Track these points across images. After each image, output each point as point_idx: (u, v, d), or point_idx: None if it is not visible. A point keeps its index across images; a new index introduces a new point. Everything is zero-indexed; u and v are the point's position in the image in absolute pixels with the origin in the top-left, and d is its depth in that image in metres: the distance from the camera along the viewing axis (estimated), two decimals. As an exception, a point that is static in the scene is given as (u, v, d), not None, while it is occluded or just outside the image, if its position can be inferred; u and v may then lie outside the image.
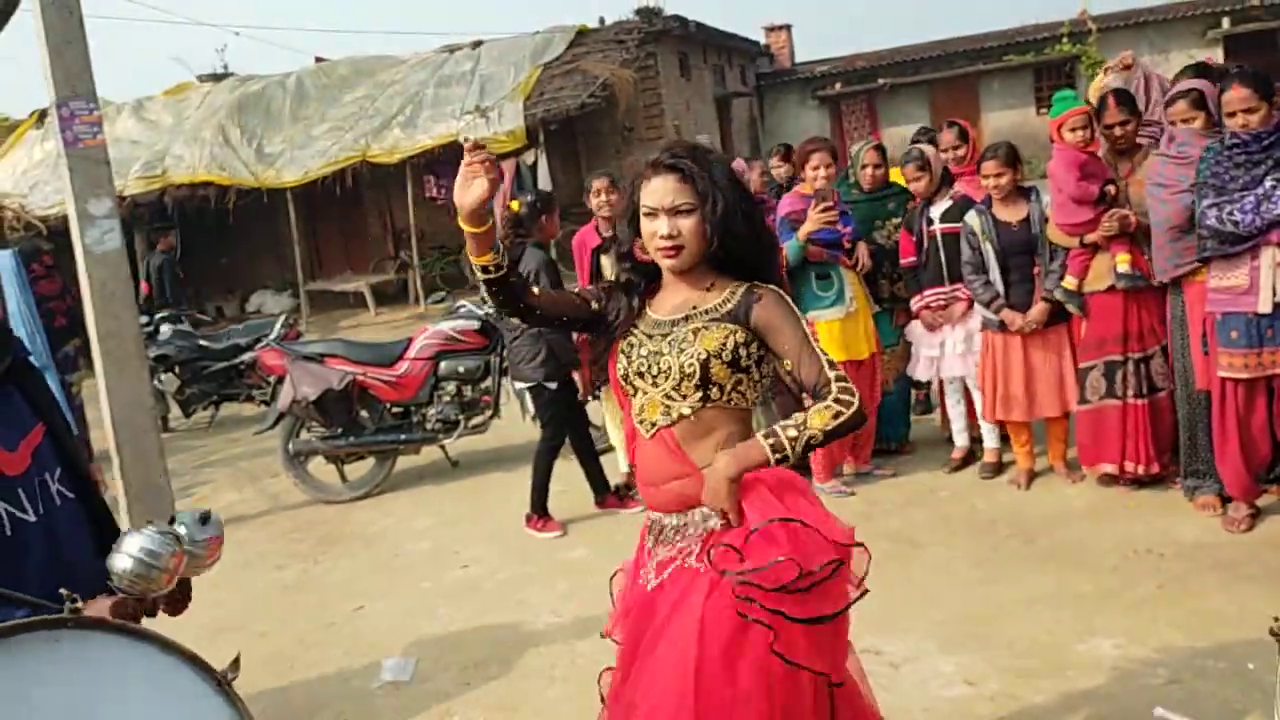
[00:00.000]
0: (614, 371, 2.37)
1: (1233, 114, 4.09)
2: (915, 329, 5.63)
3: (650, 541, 2.37)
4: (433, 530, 5.88)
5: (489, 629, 4.45)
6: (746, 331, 2.24)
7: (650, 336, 2.31)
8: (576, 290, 2.49)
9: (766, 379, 2.30)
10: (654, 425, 2.28)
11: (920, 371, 5.67)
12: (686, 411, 2.24)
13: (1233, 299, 4.14)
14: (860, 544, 2.19)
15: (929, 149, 5.62)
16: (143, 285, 10.50)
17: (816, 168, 5.37)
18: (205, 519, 2.10)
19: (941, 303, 5.39)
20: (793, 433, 2.12)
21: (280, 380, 6.63)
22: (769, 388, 2.36)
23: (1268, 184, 4.02)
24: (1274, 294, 4.05)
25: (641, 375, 2.29)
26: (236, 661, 1.94)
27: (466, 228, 2.24)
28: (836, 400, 2.13)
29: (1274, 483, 4.52)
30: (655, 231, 2.25)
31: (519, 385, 5.81)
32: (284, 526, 6.33)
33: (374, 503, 6.54)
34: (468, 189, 2.20)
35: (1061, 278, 4.95)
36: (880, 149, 5.86)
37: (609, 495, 5.76)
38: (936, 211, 5.41)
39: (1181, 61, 18.55)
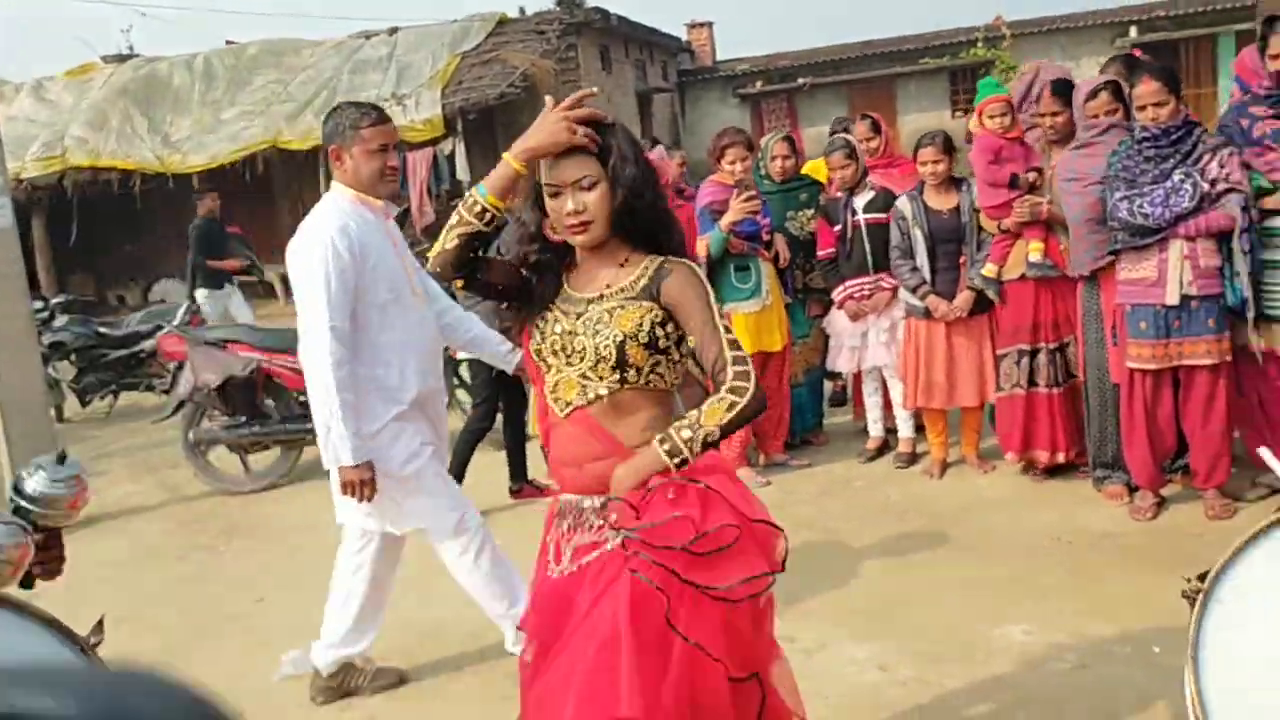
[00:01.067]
0: (527, 346, 2.28)
1: (1143, 107, 4.15)
2: (836, 320, 5.62)
3: (563, 526, 2.26)
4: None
5: (394, 621, 4.30)
6: (661, 310, 2.15)
7: (565, 314, 2.22)
8: (506, 257, 2.38)
9: (687, 359, 2.22)
10: (569, 405, 2.19)
11: (841, 363, 5.66)
12: (603, 393, 2.16)
13: (1142, 291, 4.21)
14: (776, 526, 2.13)
15: (851, 138, 5.64)
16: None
17: (733, 161, 5.34)
18: (62, 459, 1.93)
19: (865, 293, 5.39)
20: (687, 434, 2.04)
21: (181, 366, 6.39)
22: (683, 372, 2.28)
23: (1176, 178, 4.10)
24: (1181, 286, 4.12)
25: (555, 354, 2.20)
26: (100, 624, 1.80)
27: (516, 165, 2.19)
28: (731, 390, 2.05)
29: (1177, 472, 4.62)
30: (561, 209, 2.16)
31: (461, 355, 5.67)
32: (183, 518, 6.10)
33: (279, 494, 6.34)
34: (554, 131, 2.14)
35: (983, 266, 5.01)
36: (789, 140, 5.85)
37: (526, 485, 5.65)
38: (860, 202, 5.42)
39: (1092, 67, 19.08)
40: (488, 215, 2.20)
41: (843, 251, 5.45)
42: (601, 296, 2.19)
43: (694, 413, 2.07)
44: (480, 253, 2.25)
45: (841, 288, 5.48)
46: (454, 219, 2.23)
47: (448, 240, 2.22)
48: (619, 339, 2.12)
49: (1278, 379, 4.24)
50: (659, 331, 2.15)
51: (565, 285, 2.27)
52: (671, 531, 2.01)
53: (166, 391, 7.25)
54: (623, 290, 2.18)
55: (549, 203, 2.19)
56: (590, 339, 2.14)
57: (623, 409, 2.17)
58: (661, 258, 2.21)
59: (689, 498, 2.05)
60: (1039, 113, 4.86)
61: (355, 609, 3.75)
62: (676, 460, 2.04)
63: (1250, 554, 1.73)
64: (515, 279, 2.29)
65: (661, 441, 2.06)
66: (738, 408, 2.04)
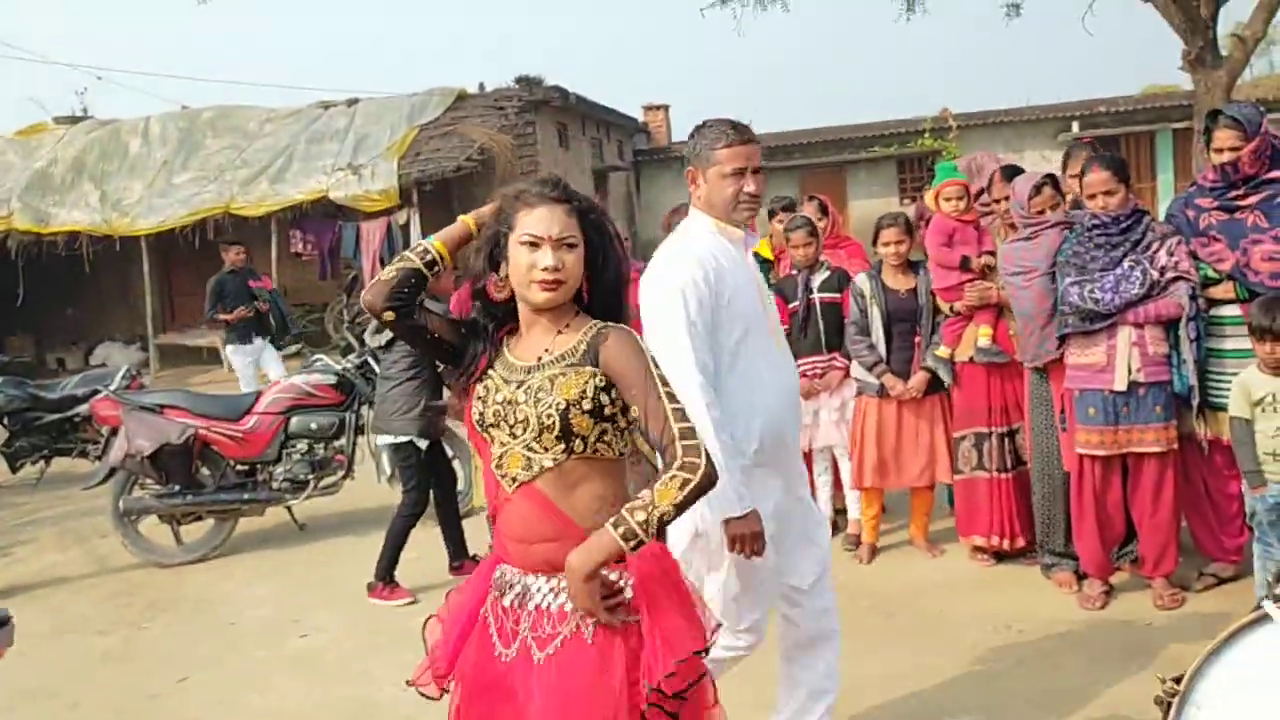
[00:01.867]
0: (469, 417, 2.19)
1: (1093, 196, 4.22)
2: None
3: (506, 601, 2.14)
4: (273, 597, 5.52)
5: (326, 703, 4.15)
6: (603, 375, 2.08)
7: (506, 382, 2.13)
8: (444, 314, 2.31)
9: (635, 427, 2.12)
10: (515, 480, 2.10)
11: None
12: (549, 464, 2.07)
13: (1090, 376, 4.23)
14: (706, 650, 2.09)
15: (814, 218, 5.67)
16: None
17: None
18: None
19: (819, 371, 5.38)
20: (641, 516, 1.97)
21: (114, 432, 6.19)
22: (632, 448, 2.20)
23: (1126, 265, 4.15)
24: (1129, 372, 4.15)
25: (498, 424, 2.12)
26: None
27: (470, 221, 2.26)
28: (682, 466, 1.98)
29: (1125, 559, 4.60)
30: (535, 263, 2.08)
31: (382, 441, 5.50)
32: (110, 590, 5.86)
33: (211, 566, 6.12)
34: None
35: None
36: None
37: (467, 561, 5.50)
38: (816, 280, 5.42)
39: (1035, 160, 19.62)
40: (430, 257, 2.20)
41: (797, 328, 5.44)
42: (540, 364, 2.12)
43: (646, 493, 1.99)
44: (415, 298, 2.20)
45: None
46: (397, 258, 2.22)
47: (385, 273, 2.20)
48: (562, 407, 2.04)
49: (1224, 468, 4.25)
50: (603, 398, 2.07)
51: (505, 352, 2.19)
52: (689, 670, 2.00)
53: (100, 457, 7.03)
54: (563, 357, 2.11)
55: (521, 254, 2.10)
56: (532, 408, 2.06)
57: (572, 481, 2.08)
58: (599, 323, 2.15)
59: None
60: (994, 198, 4.95)
61: None
62: (631, 544, 1.97)
63: (1224, 657, 1.68)
64: (451, 335, 2.22)
65: (615, 525, 1.97)
66: (690, 485, 1.97)
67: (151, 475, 6.06)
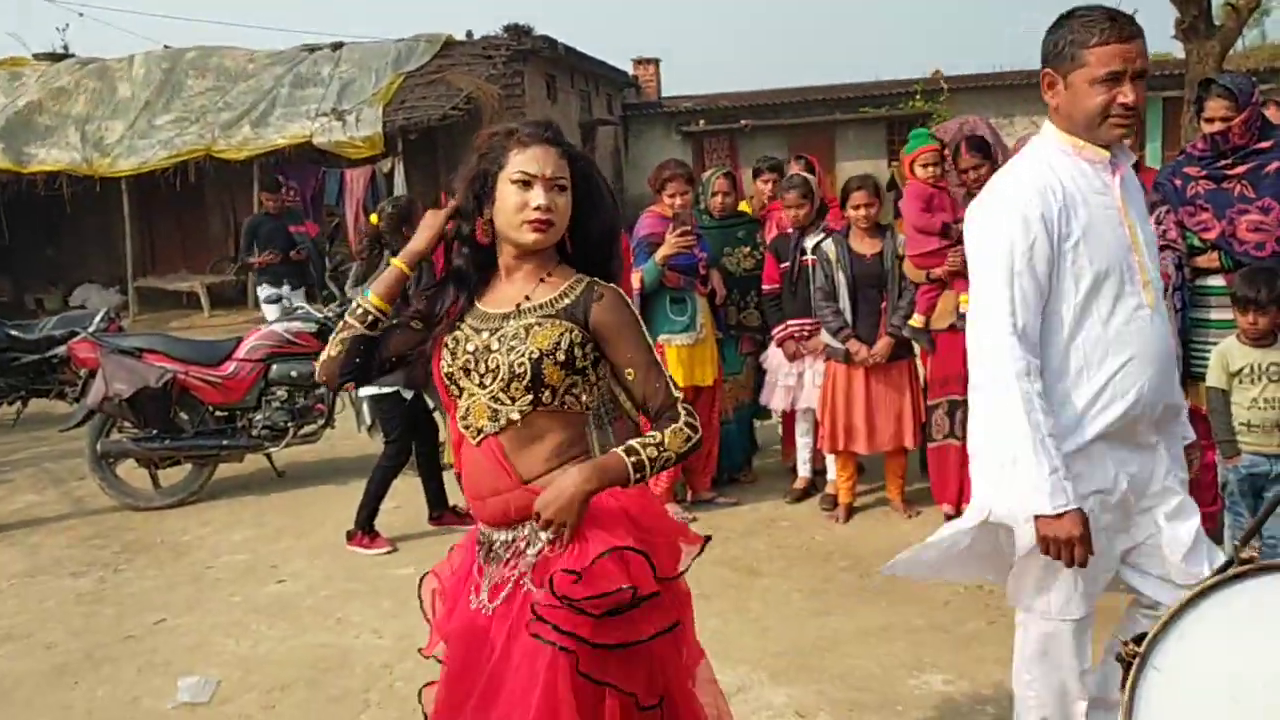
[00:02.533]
0: (438, 370, 2.17)
1: None
2: (773, 357, 5.59)
3: (480, 557, 2.18)
4: (251, 543, 5.52)
5: (302, 648, 4.16)
6: (584, 331, 2.07)
7: (478, 331, 2.12)
8: (397, 321, 2.25)
9: (603, 381, 2.14)
10: (480, 432, 2.10)
11: (776, 401, 5.63)
12: (515, 417, 2.06)
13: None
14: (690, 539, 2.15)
15: (811, 177, 5.63)
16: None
17: (674, 195, 5.31)
18: None
19: (806, 333, 5.36)
20: (653, 452, 2.00)
21: (92, 374, 6.15)
22: (609, 407, 2.18)
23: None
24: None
25: (468, 373, 2.10)
26: None
27: (401, 266, 2.19)
28: (687, 424, 2.03)
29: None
30: (527, 202, 2.05)
31: (365, 392, 5.49)
32: (85, 532, 5.84)
33: (188, 511, 6.11)
34: (430, 220, 2.18)
35: (908, 315, 5.03)
36: (730, 176, 5.84)
37: (447, 512, 5.52)
38: (810, 242, 5.38)
39: (1025, 124, 19.54)
40: (370, 318, 2.17)
41: (786, 289, 5.42)
42: (518, 311, 2.10)
43: (657, 434, 2.02)
44: (365, 358, 2.19)
45: (782, 326, 5.45)
46: (339, 326, 2.20)
47: (332, 348, 2.19)
48: (535, 356, 2.03)
49: (1201, 437, 4.28)
50: (577, 351, 2.06)
51: (476, 303, 2.17)
52: (612, 603, 1.96)
53: (77, 399, 6.99)
54: (541, 307, 2.09)
55: (512, 193, 2.07)
56: (505, 355, 2.05)
57: (534, 434, 2.08)
58: (589, 278, 2.13)
59: (621, 570, 1.99)
60: (960, 169, 4.93)
61: None
62: (638, 476, 1.99)
63: (1186, 619, 1.70)
64: (411, 340, 2.23)
65: (628, 452, 1.99)
66: (692, 442, 2.03)
67: (130, 419, 6.03)
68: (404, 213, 5.39)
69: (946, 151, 5.18)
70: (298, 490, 6.39)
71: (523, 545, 2.10)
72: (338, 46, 17.77)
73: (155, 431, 6.08)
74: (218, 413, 6.24)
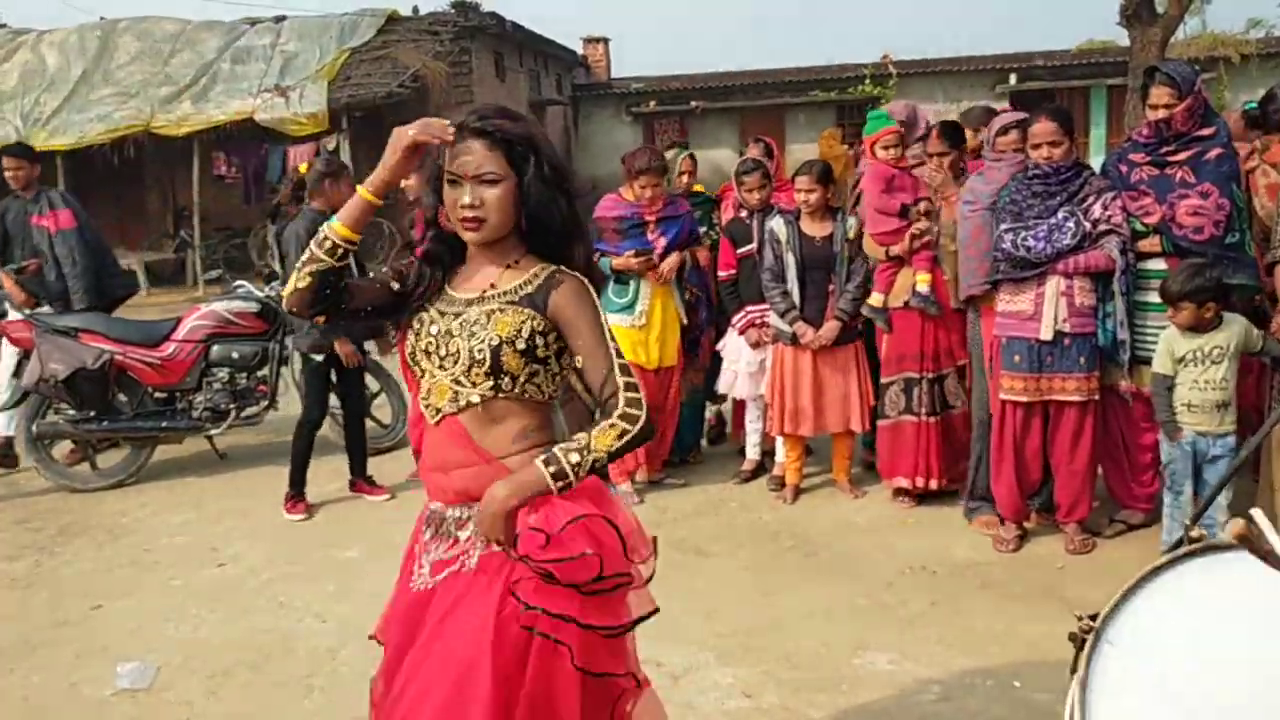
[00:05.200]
0: (403, 350, 2.17)
1: (1038, 145, 4.26)
2: (731, 344, 5.55)
3: (427, 534, 2.16)
4: (191, 525, 5.42)
5: (243, 633, 4.09)
6: (544, 319, 2.05)
7: (443, 315, 2.11)
8: (373, 275, 2.25)
9: (566, 371, 2.12)
10: (439, 411, 2.09)
11: (739, 389, 5.58)
12: (475, 400, 2.05)
13: (1018, 324, 4.30)
14: (651, 556, 2.09)
15: (768, 161, 5.61)
16: None
17: (644, 187, 5.26)
18: None
19: (765, 320, 5.31)
20: (575, 457, 1.95)
21: (27, 354, 6.00)
22: (565, 387, 2.17)
23: (1060, 215, 4.21)
24: (1055, 322, 4.22)
25: (429, 355, 2.09)
26: None
27: (366, 194, 2.11)
28: (623, 416, 1.97)
29: (1041, 510, 4.69)
30: (457, 200, 2.04)
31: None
32: (19, 515, 5.70)
33: (126, 493, 5.98)
34: (396, 139, 2.07)
35: (857, 298, 5.05)
36: (694, 157, 5.84)
37: (360, 481, 5.65)
38: (771, 225, 5.34)
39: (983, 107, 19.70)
40: (339, 251, 2.11)
41: (746, 274, 5.39)
42: (482, 297, 2.09)
43: (583, 435, 1.97)
44: (334, 289, 2.14)
45: (743, 312, 5.41)
46: (305, 255, 2.13)
47: (299, 279, 2.12)
48: (495, 343, 2.02)
49: (1142, 419, 4.36)
50: (539, 340, 2.04)
51: (446, 287, 2.16)
52: (578, 570, 1.92)
53: (11, 379, 6.80)
54: (505, 294, 2.08)
55: (446, 191, 2.07)
56: (465, 341, 2.04)
57: (495, 418, 2.07)
58: (553, 267, 2.10)
59: (588, 535, 1.95)
60: (931, 152, 4.97)
61: None
62: (560, 484, 1.94)
63: (1138, 596, 1.72)
64: (385, 297, 2.18)
65: (546, 463, 1.95)
66: (628, 436, 1.98)
67: (66, 400, 5.90)
68: (329, 168, 5.46)
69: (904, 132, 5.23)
70: (239, 472, 6.29)
71: (476, 525, 2.06)
72: (279, 19, 17.44)
73: (92, 413, 5.96)
74: (157, 394, 6.11)
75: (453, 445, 2.08)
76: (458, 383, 2.06)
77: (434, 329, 2.10)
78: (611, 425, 1.97)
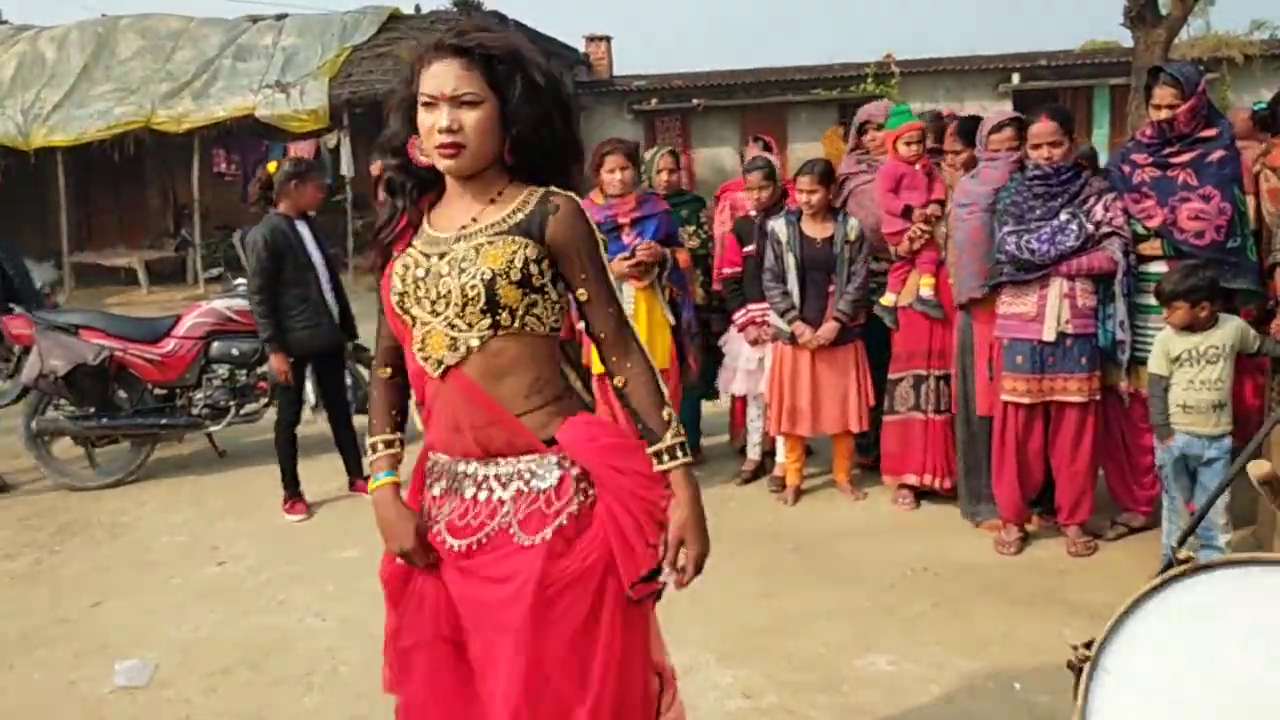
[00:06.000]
0: (388, 299, 2.00)
1: (1038, 146, 4.25)
2: (733, 341, 5.53)
3: (435, 490, 2.05)
4: (190, 524, 5.42)
5: (242, 632, 4.09)
6: (539, 246, 1.92)
7: (427, 255, 1.95)
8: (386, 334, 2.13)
9: (564, 299, 2.01)
10: (441, 364, 1.95)
11: (736, 386, 5.57)
12: (475, 343, 1.92)
13: (1020, 325, 4.29)
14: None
15: (774, 159, 5.59)
16: None
17: (612, 170, 5.06)
18: None
19: (767, 319, 5.29)
20: (670, 440, 1.96)
21: (27, 351, 5.99)
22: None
23: (1063, 217, 4.20)
24: (1058, 323, 4.22)
25: (419, 301, 1.95)
26: None
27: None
28: (649, 369, 1.98)
29: (1043, 512, 4.68)
30: (433, 125, 1.87)
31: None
32: (20, 512, 5.70)
33: (126, 491, 5.98)
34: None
35: (856, 299, 5.04)
36: (674, 154, 5.77)
37: (360, 480, 5.59)
38: (772, 225, 5.32)
39: (974, 109, 19.69)
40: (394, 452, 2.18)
41: (750, 273, 5.36)
42: (466, 232, 1.94)
43: (667, 411, 1.97)
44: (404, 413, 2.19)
45: (744, 310, 5.39)
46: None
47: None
48: (487, 277, 1.89)
49: (1142, 420, 4.35)
50: (533, 268, 1.91)
51: (426, 225, 2.01)
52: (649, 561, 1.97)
53: (11, 376, 6.80)
54: (492, 225, 1.93)
55: (421, 115, 1.90)
56: (456, 279, 1.90)
57: (501, 365, 1.94)
58: (542, 189, 1.96)
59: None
60: (947, 150, 4.98)
61: None
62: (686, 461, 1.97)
63: (1130, 621, 1.71)
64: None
65: (671, 455, 1.95)
66: (659, 379, 1.99)
67: (66, 396, 5.90)
68: (297, 169, 5.42)
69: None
70: (239, 470, 6.28)
71: (501, 482, 1.97)
72: (281, 17, 17.43)
73: (92, 409, 5.96)
74: (157, 391, 6.11)
75: (466, 403, 1.95)
76: (453, 326, 1.92)
77: (419, 271, 1.95)
78: (650, 380, 1.98)
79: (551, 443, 1.97)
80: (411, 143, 1.96)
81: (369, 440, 2.15)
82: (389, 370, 2.15)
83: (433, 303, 1.94)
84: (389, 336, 2.11)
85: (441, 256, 1.94)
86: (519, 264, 1.90)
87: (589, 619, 1.93)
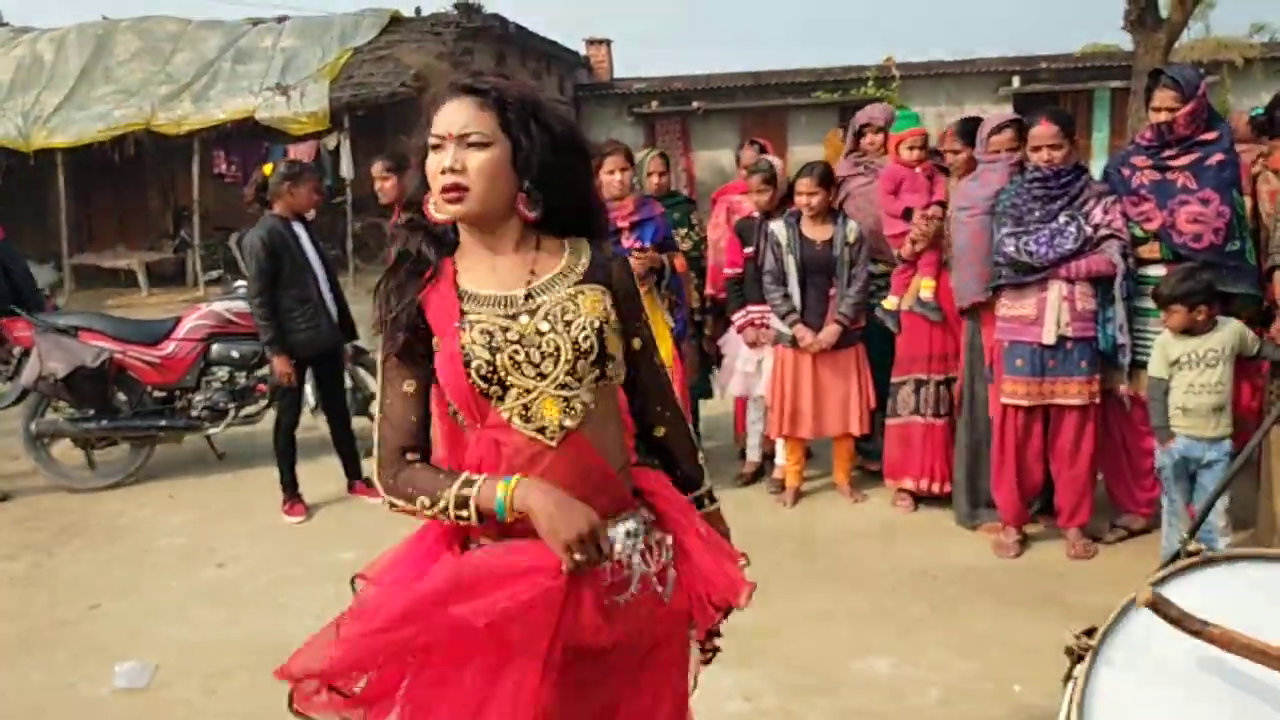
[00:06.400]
0: (460, 378, 1.73)
1: (1038, 148, 4.25)
2: (733, 341, 5.53)
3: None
4: (189, 526, 5.41)
5: (241, 634, 4.09)
6: (612, 295, 1.81)
7: (513, 317, 1.74)
8: (405, 387, 1.81)
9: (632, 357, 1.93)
10: (560, 429, 1.74)
11: (734, 386, 5.57)
12: (588, 399, 1.76)
13: (1020, 328, 4.29)
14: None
15: (776, 161, 5.58)
16: None
17: (611, 171, 5.05)
18: None
19: (766, 321, 5.28)
20: (707, 484, 2.09)
21: (26, 353, 5.99)
22: None
23: (1061, 219, 4.20)
24: (1058, 326, 4.21)
25: (519, 367, 1.73)
26: None
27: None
28: (688, 429, 2.03)
29: (1042, 513, 4.69)
30: (438, 166, 1.72)
31: None
32: (19, 514, 5.70)
33: (125, 493, 5.98)
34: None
35: (856, 302, 5.04)
36: (664, 157, 5.75)
37: (359, 482, 5.62)
38: (772, 227, 5.32)
39: (974, 112, 19.70)
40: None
41: (750, 275, 5.36)
42: (539, 285, 1.77)
43: (699, 458, 2.07)
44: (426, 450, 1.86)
45: (744, 311, 5.39)
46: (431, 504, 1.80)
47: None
48: (596, 326, 1.75)
49: (1141, 423, 4.35)
50: (613, 316, 1.82)
51: (469, 289, 1.78)
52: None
53: (11, 378, 6.80)
54: (563, 275, 1.79)
55: (429, 160, 1.75)
56: (564, 334, 1.74)
57: (602, 418, 1.80)
58: (582, 240, 1.85)
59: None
60: (947, 150, 4.98)
61: None
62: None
63: (1136, 612, 1.71)
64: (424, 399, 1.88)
65: (717, 513, 2.14)
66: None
67: (66, 398, 5.90)
68: (291, 170, 5.43)
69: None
70: (238, 472, 6.28)
71: (626, 544, 1.82)
72: (282, 19, 17.43)
73: (92, 411, 5.96)
74: (156, 393, 6.11)
75: (582, 469, 1.75)
76: (564, 386, 1.74)
77: (511, 335, 1.73)
78: (690, 441, 2.04)
79: (635, 493, 1.90)
80: (427, 200, 1.79)
81: (452, 493, 1.74)
82: (417, 454, 1.83)
83: (537, 365, 1.74)
84: (409, 426, 1.81)
85: (531, 314, 1.76)
86: (612, 311, 1.81)
87: (676, 667, 2.04)
